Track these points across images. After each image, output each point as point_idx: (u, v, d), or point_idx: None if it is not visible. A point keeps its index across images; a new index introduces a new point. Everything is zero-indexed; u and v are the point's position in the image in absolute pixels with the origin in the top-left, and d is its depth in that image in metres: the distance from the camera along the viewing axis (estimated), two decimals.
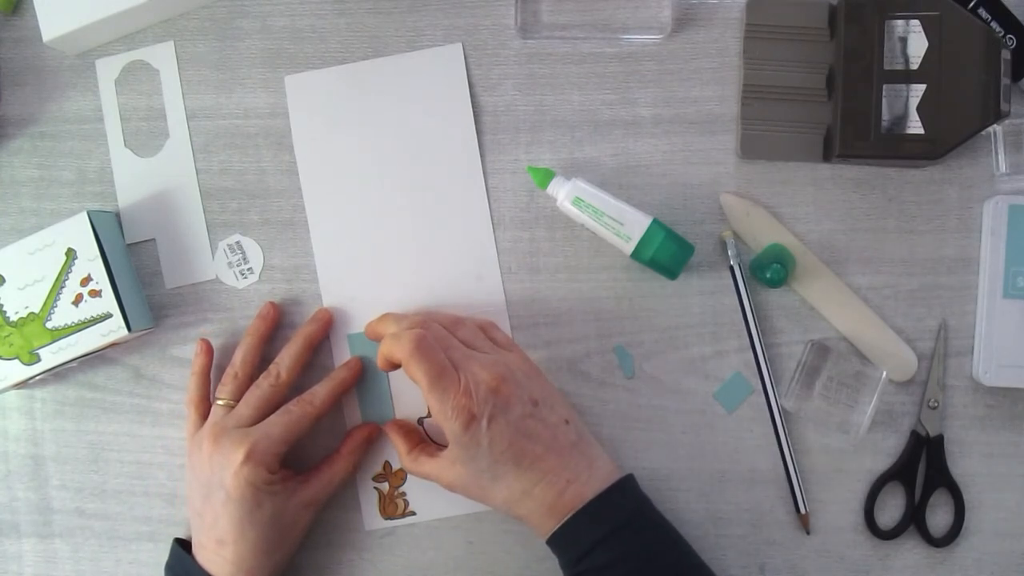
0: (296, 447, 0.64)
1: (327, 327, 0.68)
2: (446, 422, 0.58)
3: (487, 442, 0.58)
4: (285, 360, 0.66)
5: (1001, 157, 0.66)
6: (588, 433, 0.63)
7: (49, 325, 0.65)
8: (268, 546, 0.62)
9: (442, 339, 0.61)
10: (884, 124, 0.64)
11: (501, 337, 0.65)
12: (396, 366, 0.61)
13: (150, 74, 0.70)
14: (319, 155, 0.69)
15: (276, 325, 0.68)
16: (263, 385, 0.65)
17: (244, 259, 0.69)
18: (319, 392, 0.65)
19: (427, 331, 0.60)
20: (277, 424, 0.63)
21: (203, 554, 0.62)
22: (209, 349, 0.67)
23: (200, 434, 0.64)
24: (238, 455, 0.61)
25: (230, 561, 0.61)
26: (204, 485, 0.62)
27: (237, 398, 0.65)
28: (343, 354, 0.69)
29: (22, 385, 0.67)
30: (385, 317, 0.66)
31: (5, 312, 0.65)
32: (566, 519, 0.58)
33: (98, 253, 0.65)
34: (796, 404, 0.67)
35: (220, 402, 0.65)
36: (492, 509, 0.62)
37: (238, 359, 0.66)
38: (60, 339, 0.65)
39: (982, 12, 0.66)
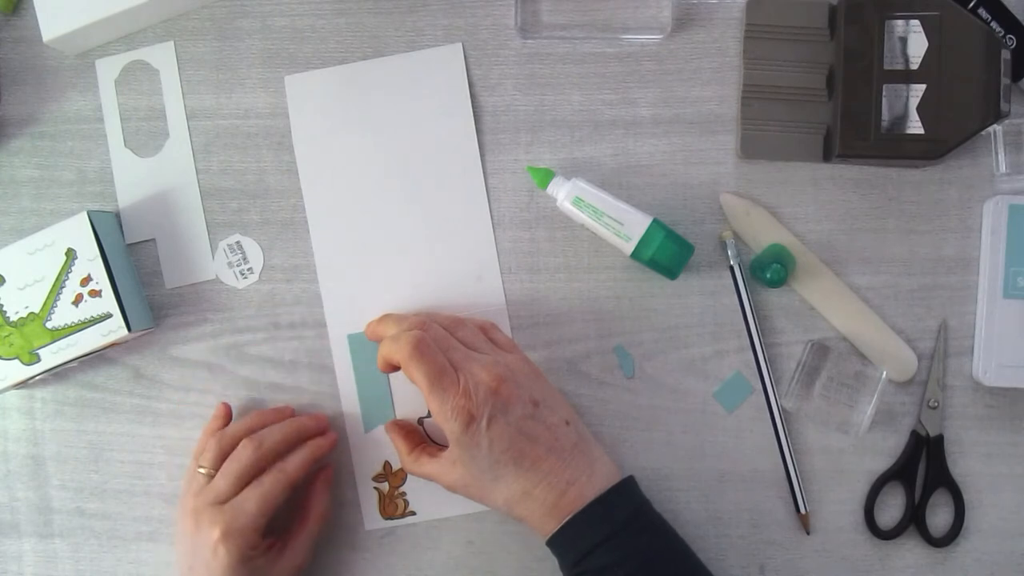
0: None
1: (331, 445, 0.66)
2: (446, 423, 0.58)
3: (487, 443, 0.58)
4: (273, 436, 0.63)
5: (1001, 157, 0.66)
6: (589, 434, 0.63)
7: (49, 325, 0.65)
8: None
9: (441, 340, 0.61)
10: (884, 124, 0.64)
11: (502, 338, 0.65)
12: (396, 368, 0.61)
13: (150, 74, 0.70)
14: (319, 155, 0.69)
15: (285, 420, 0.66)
16: (242, 456, 0.62)
17: (244, 259, 0.69)
18: (293, 461, 0.63)
19: (426, 332, 0.60)
20: (251, 499, 0.61)
21: None
22: (227, 414, 0.67)
23: (183, 505, 0.63)
24: (215, 535, 0.60)
25: None
26: (188, 558, 0.62)
27: (217, 468, 0.63)
28: (343, 354, 0.68)
29: (22, 385, 0.67)
30: (385, 318, 0.66)
31: (5, 312, 0.65)
32: (566, 520, 0.58)
33: (98, 253, 0.65)
34: (796, 404, 0.67)
35: (202, 471, 0.63)
36: (493, 509, 0.62)
37: (231, 430, 0.64)
38: (60, 339, 0.65)
39: (982, 12, 0.66)
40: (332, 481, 0.67)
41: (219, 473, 0.62)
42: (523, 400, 0.60)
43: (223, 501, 0.61)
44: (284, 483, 0.62)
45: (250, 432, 0.64)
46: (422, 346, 0.59)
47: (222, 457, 0.63)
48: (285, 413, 0.67)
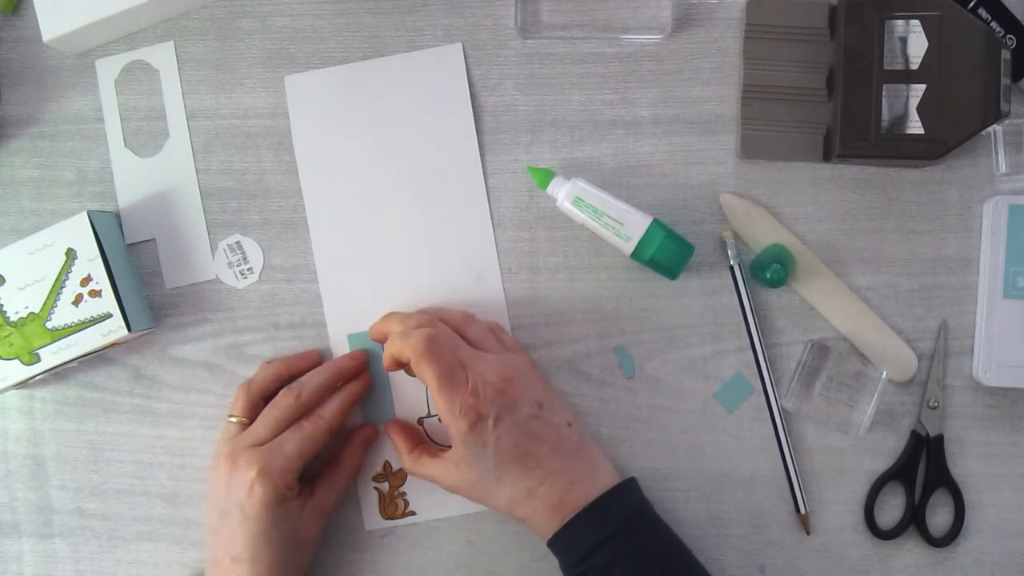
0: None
1: (366, 387, 0.67)
2: (453, 421, 0.58)
3: (493, 441, 0.58)
4: (312, 383, 0.64)
5: (1001, 157, 0.66)
6: (590, 436, 0.63)
7: (49, 325, 0.65)
8: (283, 561, 0.61)
9: (449, 339, 0.61)
10: (884, 124, 0.64)
11: (507, 340, 0.66)
12: (402, 365, 0.61)
13: (150, 74, 0.70)
14: (319, 155, 0.69)
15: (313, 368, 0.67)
16: (282, 404, 0.63)
17: (244, 259, 0.69)
18: (330, 406, 0.64)
19: (436, 331, 0.60)
20: (290, 440, 0.62)
21: (218, 571, 0.62)
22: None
23: (217, 453, 0.64)
24: (251, 473, 0.60)
25: None
26: (222, 503, 0.62)
27: (248, 415, 0.64)
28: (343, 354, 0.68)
29: (22, 385, 0.67)
30: (389, 316, 0.66)
31: (5, 312, 0.65)
32: (570, 518, 0.59)
33: (98, 253, 0.65)
34: (796, 404, 0.67)
35: (233, 419, 0.64)
36: (494, 511, 0.62)
37: (259, 377, 0.65)
38: (60, 339, 0.65)
39: (982, 12, 0.66)
40: (372, 440, 0.67)
41: (258, 420, 0.63)
42: (529, 401, 0.60)
43: (261, 444, 0.62)
44: (323, 429, 0.63)
45: (278, 379, 0.65)
46: (434, 344, 0.59)
47: (251, 404, 0.64)
48: (310, 358, 0.67)
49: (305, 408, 0.64)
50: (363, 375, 0.67)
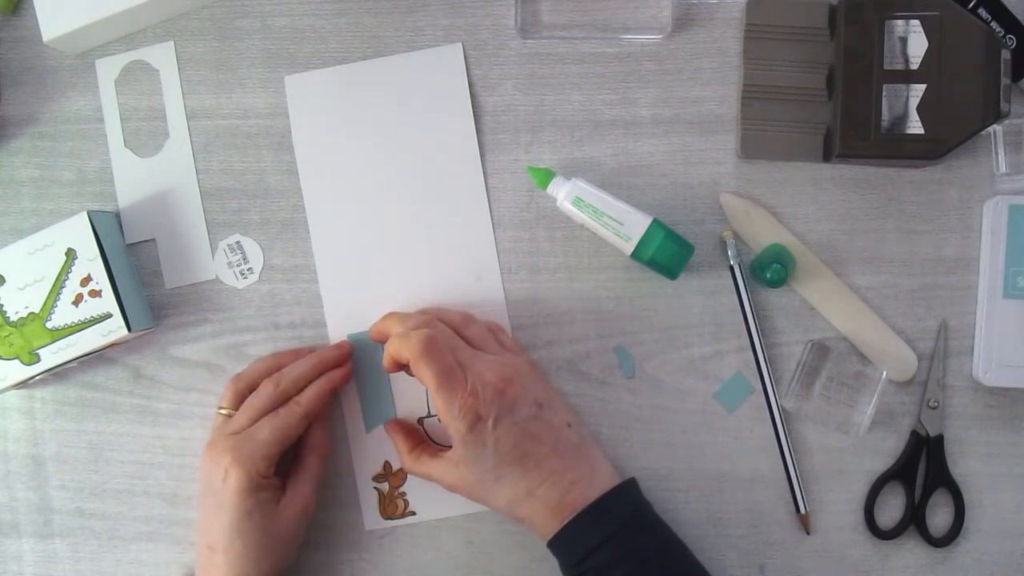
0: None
1: (347, 375, 0.67)
2: (452, 422, 0.58)
3: (492, 442, 0.58)
4: (292, 373, 0.64)
5: (1001, 157, 0.66)
6: (590, 437, 0.63)
7: (49, 325, 0.65)
8: (257, 554, 0.61)
9: (448, 339, 0.61)
10: (884, 124, 0.64)
11: (507, 340, 0.66)
12: (402, 366, 0.61)
13: (150, 74, 0.70)
14: (319, 155, 0.69)
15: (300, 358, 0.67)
16: (262, 393, 0.64)
17: (244, 259, 0.69)
18: (307, 393, 0.64)
19: (435, 331, 0.60)
20: (264, 426, 0.62)
21: (198, 560, 0.62)
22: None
23: (206, 446, 0.64)
24: (225, 459, 0.60)
25: (220, 568, 0.61)
26: (202, 492, 0.62)
27: (235, 407, 0.64)
28: None
29: (22, 385, 0.67)
30: (389, 317, 0.65)
31: (5, 312, 0.65)
32: (569, 519, 0.59)
33: (98, 253, 0.65)
34: (796, 404, 0.67)
35: (222, 411, 0.65)
36: (494, 511, 0.62)
37: (249, 371, 0.66)
38: (60, 339, 0.65)
39: (982, 12, 0.66)
40: (327, 419, 0.67)
41: (239, 410, 0.64)
42: (528, 401, 0.60)
43: (239, 433, 0.62)
44: (299, 414, 0.63)
45: (268, 373, 0.65)
46: (432, 345, 0.59)
47: (238, 397, 0.65)
48: (302, 354, 0.67)
49: (283, 396, 0.64)
50: (346, 364, 0.67)
